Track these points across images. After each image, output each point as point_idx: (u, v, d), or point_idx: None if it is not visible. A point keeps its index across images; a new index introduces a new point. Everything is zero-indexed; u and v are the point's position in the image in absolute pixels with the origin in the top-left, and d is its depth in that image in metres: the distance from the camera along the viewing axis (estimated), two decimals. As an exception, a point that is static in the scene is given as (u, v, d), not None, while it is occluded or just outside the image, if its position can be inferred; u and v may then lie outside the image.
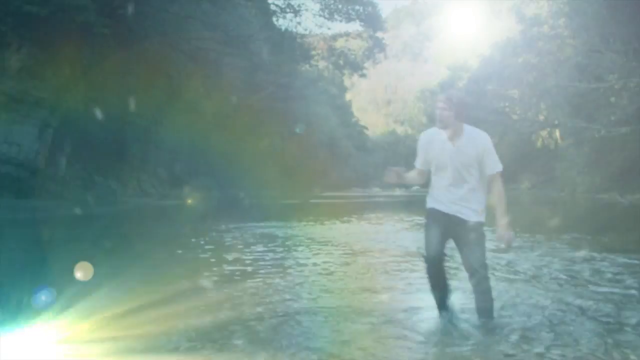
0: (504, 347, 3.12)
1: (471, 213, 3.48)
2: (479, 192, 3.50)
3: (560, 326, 3.54)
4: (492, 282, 4.92)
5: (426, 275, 3.57)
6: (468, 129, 3.50)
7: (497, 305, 4.08)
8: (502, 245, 3.48)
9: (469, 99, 3.63)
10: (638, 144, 24.39)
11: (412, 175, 3.74)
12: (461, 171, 3.47)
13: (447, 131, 3.49)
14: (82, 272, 4.42)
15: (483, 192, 3.52)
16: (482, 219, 3.51)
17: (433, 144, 3.57)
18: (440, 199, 3.57)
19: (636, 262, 6.09)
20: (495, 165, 3.47)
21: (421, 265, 3.74)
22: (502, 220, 3.43)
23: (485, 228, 3.54)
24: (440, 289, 3.59)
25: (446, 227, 3.51)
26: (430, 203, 3.62)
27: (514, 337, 3.28)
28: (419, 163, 3.68)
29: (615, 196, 22.96)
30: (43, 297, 3.82)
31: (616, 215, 16.29)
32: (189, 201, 19.47)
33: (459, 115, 3.44)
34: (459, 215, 3.49)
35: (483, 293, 3.49)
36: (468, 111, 3.53)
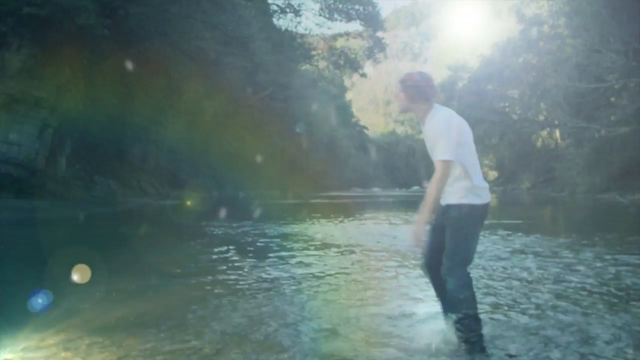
0: (508, 347, 3.11)
1: (449, 196, 3.19)
2: (458, 179, 3.15)
3: (563, 327, 3.54)
4: (491, 283, 4.98)
5: None
6: (433, 110, 3.19)
7: (498, 305, 4.11)
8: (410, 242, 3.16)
9: (424, 80, 3.20)
10: (638, 144, 24.42)
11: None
12: (432, 156, 3.18)
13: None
14: (79, 274, 4.42)
15: (464, 178, 3.15)
16: (463, 200, 3.14)
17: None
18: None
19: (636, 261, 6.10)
20: (438, 153, 3.07)
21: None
22: (417, 217, 3.15)
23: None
24: (437, 292, 3.35)
25: (438, 220, 3.26)
26: None
27: (517, 338, 3.27)
28: None
29: (615, 196, 22.96)
30: (39, 299, 3.82)
31: (616, 215, 16.29)
32: (189, 202, 19.49)
33: (412, 98, 3.18)
34: (443, 202, 3.22)
35: (446, 283, 3.15)
36: (423, 92, 3.17)
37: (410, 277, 5.33)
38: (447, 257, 3.12)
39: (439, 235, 3.23)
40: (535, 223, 12.79)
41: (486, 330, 3.24)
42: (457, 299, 3.06)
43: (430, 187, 3.09)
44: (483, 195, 3.18)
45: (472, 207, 3.13)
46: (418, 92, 3.17)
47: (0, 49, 15.44)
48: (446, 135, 3.06)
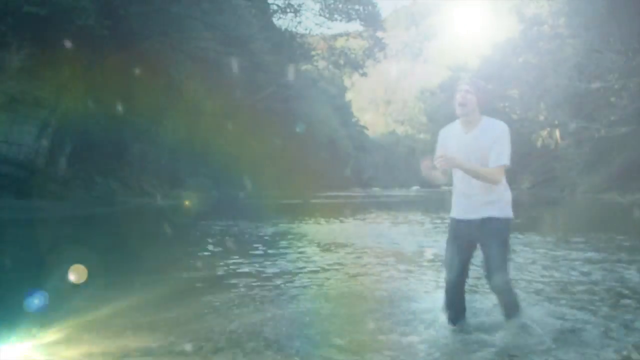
0: (507, 347, 3.11)
1: (490, 208, 3.23)
2: (496, 187, 3.22)
3: (563, 327, 3.54)
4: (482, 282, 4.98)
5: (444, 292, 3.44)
6: (486, 119, 3.30)
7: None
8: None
9: (489, 93, 3.46)
10: (638, 144, 24.41)
11: (436, 174, 3.42)
12: (475, 163, 3.23)
13: (463, 121, 3.30)
14: (75, 274, 4.43)
15: (505, 189, 3.26)
16: (504, 214, 3.24)
17: (451, 138, 3.36)
18: (459, 204, 3.35)
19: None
20: (498, 158, 3.15)
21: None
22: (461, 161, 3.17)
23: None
24: (455, 308, 3.40)
25: (467, 238, 3.30)
26: (451, 211, 3.40)
27: (516, 338, 3.27)
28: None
29: (615, 196, 22.95)
30: (36, 300, 3.82)
31: (616, 215, 16.29)
32: (187, 202, 19.48)
33: (480, 102, 3.27)
34: (477, 217, 3.25)
35: (503, 295, 3.26)
36: (488, 101, 3.38)
37: (413, 276, 5.33)
38: (500, 270, 3.18)
39: (468, 253, 3.35)
40: (532, 223, 12.78)
41: (482, 330, 3.24)
42: (515, 303, 3.27)
43: (484, 172, 3.16)
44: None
45: (510, 221, 3.29)
46: (485, 100, 3.32)
47: (0, 48, 15.46)
48: (508, 142, 3.20)
